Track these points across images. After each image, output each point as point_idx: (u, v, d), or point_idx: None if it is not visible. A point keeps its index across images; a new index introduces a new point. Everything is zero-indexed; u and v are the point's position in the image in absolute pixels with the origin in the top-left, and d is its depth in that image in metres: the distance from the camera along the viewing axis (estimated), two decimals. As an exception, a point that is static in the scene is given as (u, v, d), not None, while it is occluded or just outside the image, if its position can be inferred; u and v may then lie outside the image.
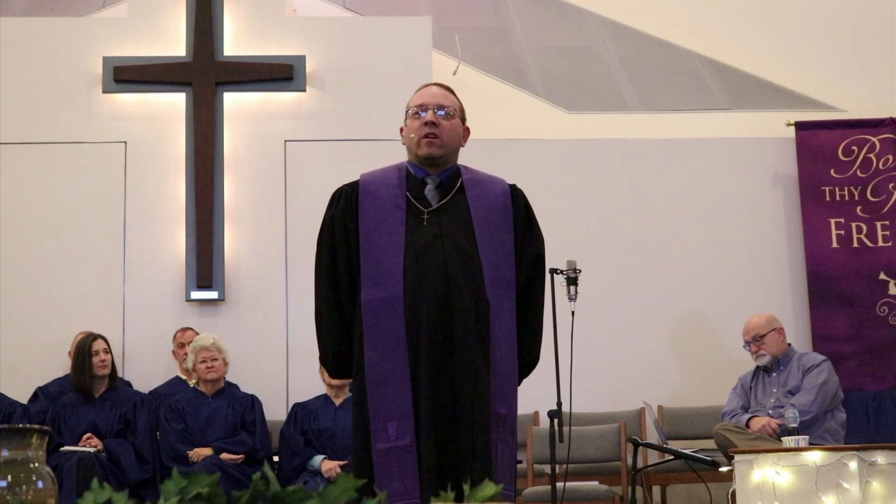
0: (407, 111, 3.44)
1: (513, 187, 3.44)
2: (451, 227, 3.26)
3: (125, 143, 7.66)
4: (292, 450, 6.61)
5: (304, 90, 7.72)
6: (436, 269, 3.18)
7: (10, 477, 1.91)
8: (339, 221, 3.34)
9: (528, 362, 3.35)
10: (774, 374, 6.28)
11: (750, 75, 8.65)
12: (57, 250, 7.49)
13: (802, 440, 5.38)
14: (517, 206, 3.38)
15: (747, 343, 6.34)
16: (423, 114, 3.36)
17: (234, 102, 7.73)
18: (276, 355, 7.43)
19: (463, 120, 3.44)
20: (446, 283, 3.17)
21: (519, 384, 3.32)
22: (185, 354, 6.90)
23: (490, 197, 3.34)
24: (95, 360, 6.50)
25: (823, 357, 6.30)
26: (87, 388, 6.50)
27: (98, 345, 6.53)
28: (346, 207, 3.35)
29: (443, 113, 3.35)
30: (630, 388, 7.31)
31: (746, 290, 7.56)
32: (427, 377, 3.11)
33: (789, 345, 6.41)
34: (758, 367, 6.35)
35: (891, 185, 7.74)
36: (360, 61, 7.85)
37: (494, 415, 3.13)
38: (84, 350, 6.52)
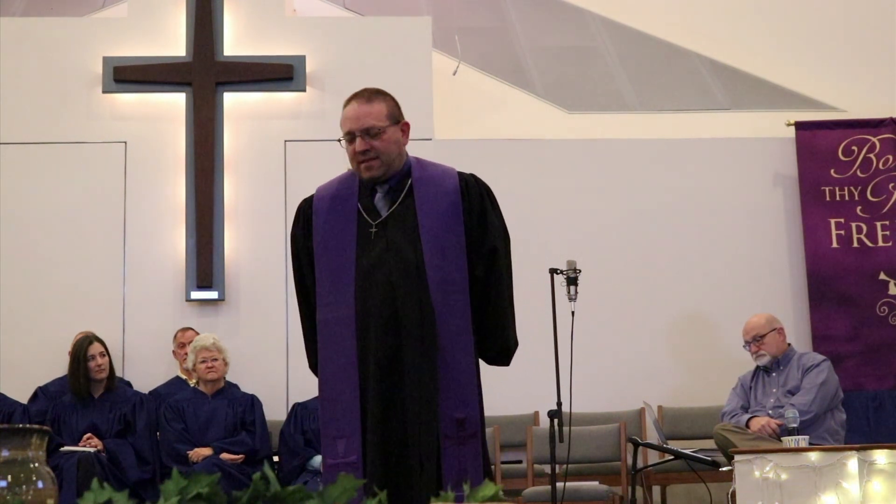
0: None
1: (465, 180, 3.33)
2: (398, 237, 3.25)
3: (125, 143, 7.66)
4: (292, 450, 6.61)
5: (304, 90, 7.72)
6: (382, 286, 3.21)
7: (10, 477, 1.91)
8: (300, 240, 3.42)
9: (499, 351, 3.34)
10: (774, 374, 6.27)
11: (750, 75, 8.65)
12: (57, 250, 7.49)
13: (802, 440, 5.38)
14: (470, 199, 3.28)
15: (747, 343, 6.34)
16: (354, 141, 3.30)
17: (234, 102, 7.73)
18: (276, 355, 7.43)
19: (397, 120, 3.32)
20: (392, 300, 3.19)
21: (499, 365, 3.40)
22: (186, 354, 6.90)
23: (439, 196, 3.28)
24: (92, 364, 6.49)
25: (823, 357, 6.29)
26: (83, 391, 6.50)
27: (94, 349, 6.52)
28: (303, 225, 3.41)
29: (371, 134, 3.27)
30: (630, 388, 7.31)
31: (746, 290, 7.55)
32: (376, 395, 3.15)
33: (789, 345, 6.41)
34: (758, 367, 6.35)
35: (891, 185, 7.74)
36: (360, 61, 7.85)
37: (450, 420, 3.15)
38: (79, 355, 6.51)
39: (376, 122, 3.28)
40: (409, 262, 3.21)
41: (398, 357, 3.17)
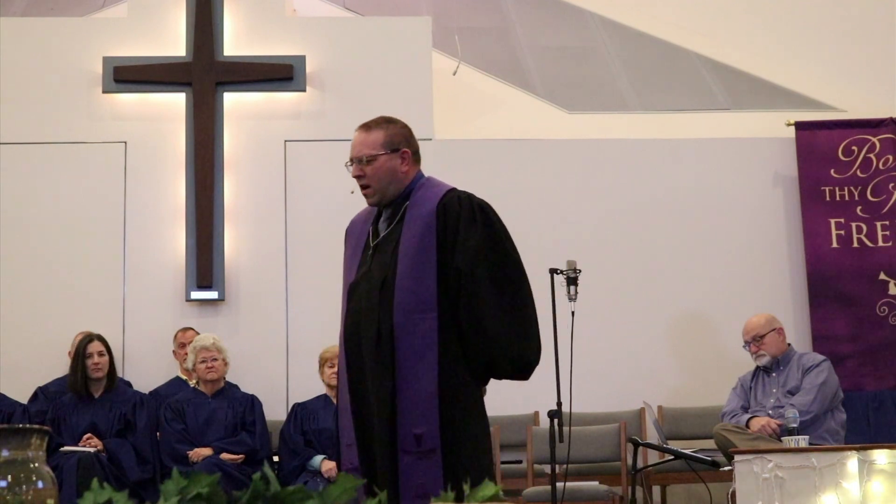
0: None
1: (444, 201, 3.44)
2: (382, 260, 3.42)
3: (125, 143, 7.66)
4: (292, 450, 6.61)
5: (304, 90, 7.72)
6: (359, 306, 3.42)
7: (10, 477, 1.91)
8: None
9: (486, 367, 3.37)
10: (774, 375, 6.28)
11: (750, 75, 8.65)
12: (57, 250, 7.49)
13: (802, 440, 5.39)
14: (445, 220, 3.39)
15: (747, 343, 6.34)
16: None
17: (234, 102, 7.73)
18: (276, 355, 7.43)
19: (395, 148, 3.47)
20: (359, 320, 3.40)
21: (486, 384, 3.48)
22: (186, 354, 6.90)
23: (420, 218, 3.42)
24: (89, 362, 6.50)
25: (823, 357, 6.30)
26: (82, 389, 6.50)
27: (93, 347, 6.52)
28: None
29: (362, 162, 3.45)
30: (630, 388, 7.31)
31: (746, 290, 7.55)
32: (358, 409, 3.41)
33: (789, 345, 6.41)
34: (757, 368, 6.35)
35: (891, 185, 7.74)
36: (360, 61, 7.85)
37: (409, 436, 3.27)
38: (79, 352, 6.53)
39: (369, 151, 3.45)
40: (384, 282, 3.38)
41: (363, 375, 3.37)
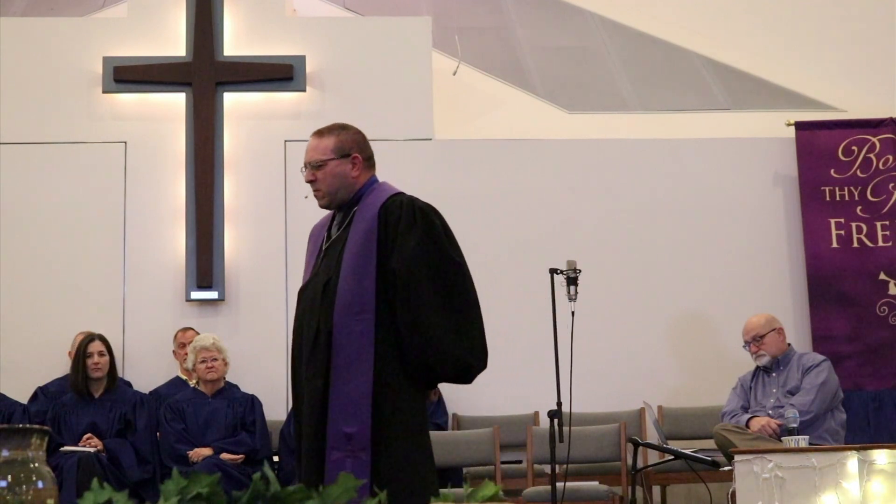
0: None
1: (386, 205, 3.52)
2: (328, 263, 3.52)
3: (125, 143, 7.66)
4: (292, 450, 6.60)
5: (304, 90, 7.72)
6: (304, 308, 3.53)
7: (10, 477, 1.91)
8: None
9: (423, 367, 3.39)
10: (774, 375, 6.28)
11: (750, 75, 8.65)
12: (57, 250, 7.49)
13: (802, 440, 5.39)
14: (386, 222, 3.46)
15: (747, 343, 6.34)
16: None
17: (234, 102, 7.73)
18: (276, 355, 7.43)
19: (345, 154, 3.56)
20: (301, 323, 3.53)
21: (431, 388, 3.54)
22: (186, 354, 6.90)
23: (363, 222, 3.51)
24: (89, 362, 6.50)
25: (823, 357, 6.30)
26: (82, 389, 6.50)
27: (94, 347, 6.52)
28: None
29: (313, 167, 3.56)
30: (630, 388, 7.31)
31: (746, 290, 7.55)
32: (298, 409, 3.53)
33: (789, 345, 6.41)
34: (758, 368, 6.35)
35: (891, 185, 7.74)
36: (360, 61, 7.85)
37: (340, 435, 3.34)
38: (80, 351, 6.53)
39: (319, 156, 3.55)
40: (326, 285, 3.47)
41: (310, 377, 3.46)
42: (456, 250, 3.49)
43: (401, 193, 3.59)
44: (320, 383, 3.38)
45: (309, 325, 3.47)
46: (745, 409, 6.24)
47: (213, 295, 7.45)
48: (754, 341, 6.30)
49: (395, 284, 3.39)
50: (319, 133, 3.60)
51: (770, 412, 6.09)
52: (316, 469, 3.35)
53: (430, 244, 3.43)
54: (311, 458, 3.38)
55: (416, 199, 3.57)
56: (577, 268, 5.77)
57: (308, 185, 3.59)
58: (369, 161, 3.62)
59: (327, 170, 3.54)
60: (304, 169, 3.59)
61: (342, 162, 3.55)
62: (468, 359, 3.42)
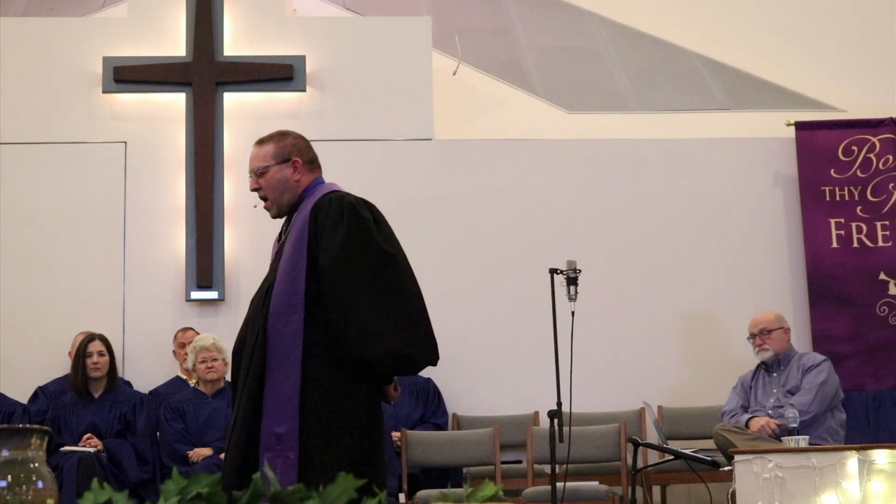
0: None
1: (316, 205, 3.53)
2: (273, 267, 3.57)
3: (125, 143, 7.66)
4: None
5: (304, 90, 7.71)
6: (249, 315, 3.57)
7: (10, 477, 1.91)
8: None
9: (359, 361, 3.36)
10: (775, 374, 6.28)
11: (750, 75, 8.65)
12: (57, 250, 7.49)
13: (802, 440, 5.39)
14: (316, 222, 3.48)
15: (752, 336, 6.33)
16: None
17: (234, 102, 7.73)
18: (276, 355, 7.42)
19: (285, 159, 3.61)
20: (246, 329, 3.55)
21: (387, 380, 3.49)
22: (186, 354, 6.90)
23: (297, 224, 3.54)
24: (89, 361, 6.50)
25: (823, 357, 6.30)
26: (81, 388, 6.51)
27: (93, 346, 6.52)
28: None
29: (256, 175, 3.65)
30: (630, 388, 7.30)
31: (746, 290, 7.55)
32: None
33: (790, 346, 6.41)
34: (758, 367, 6.35)
35: (891, 185, 7.74)
36: (360, 61, 7.85)
37: (271, 434, 3.36)
38: (80, 351, 6.54)
39: (260, 163, 3.65)
40: (265, 290, 3.52)
41: (245, 379, 3.48)
42: (389, 241, 3.48)
43: (335, 191, 3.58)
44: (255, 386, 3.40)
45: (251, 331, 3.50)
46: (745, 408, 6.24)
47: (213, 295, 7.45)
48: (761, 334, 6.29)
49: (325, 284, 3.38)
50: (260, 141, 3.69)
51: (770, 412, 6.09)
52: (238, 469, 3.35)
53: (359, 237, 3.42)
54: (237, 457, 3.38)
55: (348, 194, 3.56)
56: (577, 268, 5.77)
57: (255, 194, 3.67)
58: (312, 164, 3.66)
59: (269, 176, 3.61)
60: (249, 179, 3.66)
61: (283, 167, 3.61)
62: (406, 350, 3.38)
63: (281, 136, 3.68)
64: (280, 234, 3.67)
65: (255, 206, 3.78)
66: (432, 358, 3.49)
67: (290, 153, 3.62)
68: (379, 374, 3.43)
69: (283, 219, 3.71)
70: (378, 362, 3.37)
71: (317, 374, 3.37)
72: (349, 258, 3.39)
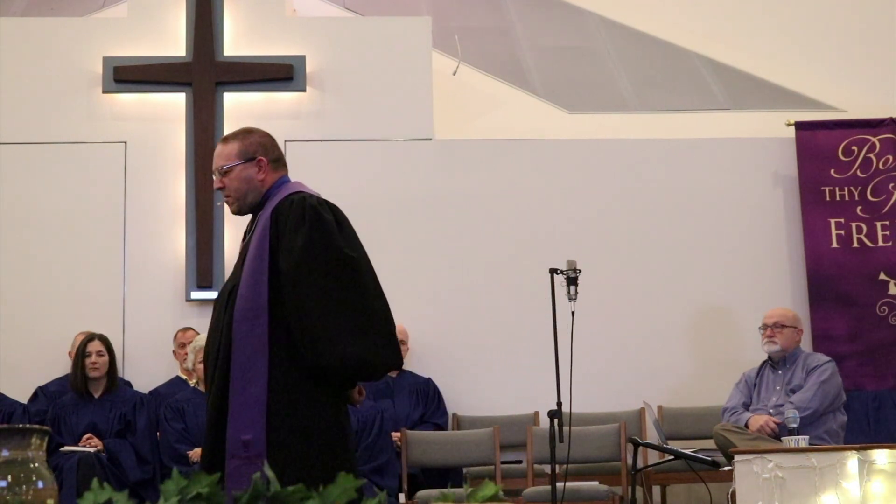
0: None
1: (277, 207, 3.47)
2: (237, 268, 3.52)
3: (125, 143, 7.66)
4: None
5: (304, 90, 7.72)
6: (213, 317, 3.54)
7: (10, 477, 1.91)
8: None
9: (313, 367, 3.31)
10: (780, 372, 6.28)
11: (750, 75, 8.65)
12: (57, 250, 7.49)
13: (802, 440, 5.39)
14: (278, 224, 3.42)
15: (765, 326, 6.33)
16: None
17: (234, 102, 7.73)
18: (276, 355, 7.42)
19: (249, 157, 3.55)
20: (211, 333, 3.52)
21: (348, 386, 3.42)
22: (186, 354, 6.90)
23: (260, 225, 3.48)
24: (87, 361, 6.51)
25: (829, 359, 6.30)
26: (81, 388, 6.51)
27: (92, 346, 6.52)
28: None
29: (220, 174, 3.56)
30: (630, 388, 7.30)
31: (746, 290, 7.55)
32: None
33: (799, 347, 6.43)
34: (763, 364, 6.35)
35: (891, 185, 7.74)
36: (360, 61, 7.85)
37: (237, 441, 3.31)
38: (80, 351, 6.54)
39: (223, 162, 3.56)
40: (229, 292, 3.48)
41: (211, 383, 3.47)
42: (351, 244, 3.40)
43: (298, 192, 3.52)
44: (221, 392, 3.36)
45: (216, 334, 3.46)
46: (747, 405, 6.25)
47: (213, 295, 7.43)
48: (774, 326, 6.29)
49: (286, 287, 3.33)
50: (225, 139, 3.63)
51: (771, 411, 6.09)
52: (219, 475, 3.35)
53: (320, 241, 3.36)
54: (209, 466, 3.35)
55: (311, 196, 3.49)
56: (577, 268, 5.77)
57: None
58: (277, 163, 3.60)
59: (233, 175, 3.53)
60: (213, 177, 3.60)
61: (247, 166, 3.54)
62: (366, 356, 3.32)
63: (246, 133, 3.62)
64: (245, 233, 3.61)
65: (219, 204, 3.82)
66: (394, 363, 3.43)
67: (254, 152, 3.56)
68: (340, 380, 3.37)
69: (250, 217, 3.66)
70: (333, 368, 3.31)
71: (283, 378, 3.32)
72: (309, 262, 3.33)
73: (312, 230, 3.37)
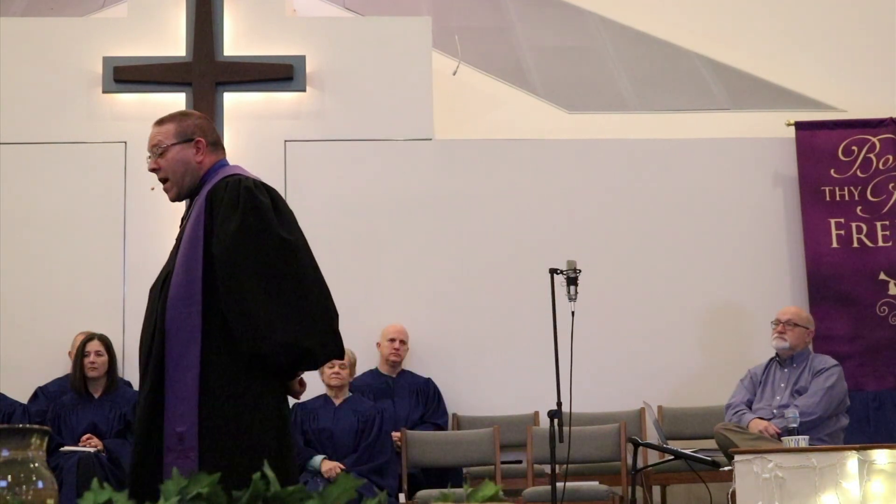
0: None
1: (212, 190, 3.33)
2: (172, 255, 3.39)
3: (125, 143, 7.66)
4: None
5: (304, 90, 7.72)
6: (148, 306, 3.41)
7: (10, 477, 1.91)
8: None
9: (257, 355, 3.18)
10: (787, 370, 6.29)
11: (750, 75, 8.65)
12: (57, 250, 7.49)
13: (802, 440, 5.39)
14: (212, 207, 3.29)
15: (778, 322, 6.34)
16: None
17: (234, 102, 7.73)
18: (276, 355, 7.42)
19: (187, 138, 3.41)
20: (146, 321, 3.39)
21: (289, 375, 3.31)
22: (185, 354, 6.89)
23: (195, 209, 3.34)
24: (86, 361, 6.51)
25: (835, 362, 6.31)
26: (81, 388, 6.51)
27: (91, 346, 6.53)
28: None
29: (155, 154, 3.43)
30: (630, 388, 7.30)
31: (746, 290, 7.55)
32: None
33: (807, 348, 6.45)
34: (770, 361, 6.35)
35: (891, 185, 7.74)
36: (360, 61, 7.85)
37: (172, 434, 3.18)
38: (80, 351, 6.55)
39: (160, 140, 3.42)
40: (163, 280, 3.37)
41: (145, 374, 3.32)
42: (288, 228, 3.29)
43: (234, 175, 3.37)
44: (154, 382, 3.22)
45: (150, 323, 3.33)
46: (751, 402, 6.25)
47: (212, 295, 7.44)
48: (787, 323, 6.31)
49: (217, 271, 3.21)
50: (160, 120, 3.48)
51: (775, 411, 6.10)
52: (148, 470, 3.19)
53: (255, 224, 3.23)
54: (141, 459, 3.23)
55: (247, 178, 3.35)
56: (577, 268, 5.77)
57: (155, 176, 3.48)
58: (215, 146, 3.46)
59: (169, 156, 3.40)
60: (148, 159, 3.45)
61: (184, 147, 3.41)
62: (305, 343, 3.18)
63: (183, 115, 3.51)
64: (182, 218, 3.47)
65: (153, 189, 3.60)
66: (335, 351, 3.30)
67: (192, 133, 3.41)
68: (275, 368, 3.22)
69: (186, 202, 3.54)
70: (271, 356, 3.17)
71: (218, 368, 3.18)
72: (243, 246, 3.20)
73: (246, 213, 3.24)
